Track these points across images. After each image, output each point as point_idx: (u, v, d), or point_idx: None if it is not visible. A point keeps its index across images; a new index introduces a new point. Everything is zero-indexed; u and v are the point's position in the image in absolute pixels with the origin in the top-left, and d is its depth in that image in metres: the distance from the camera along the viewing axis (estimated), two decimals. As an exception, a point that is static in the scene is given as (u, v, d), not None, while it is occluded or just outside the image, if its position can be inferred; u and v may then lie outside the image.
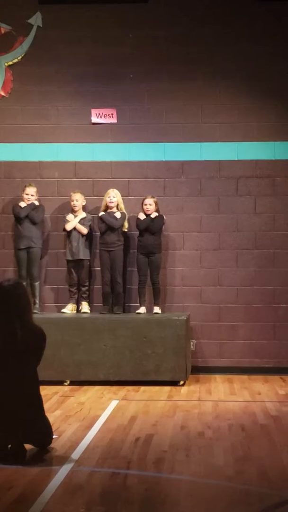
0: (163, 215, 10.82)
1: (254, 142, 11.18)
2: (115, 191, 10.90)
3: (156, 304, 10.69)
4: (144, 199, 10.86)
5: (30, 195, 10.88)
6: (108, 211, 10.84)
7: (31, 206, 10.84)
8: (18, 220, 10.84)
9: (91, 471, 5.89)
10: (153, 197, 10.88)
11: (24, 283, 10.30)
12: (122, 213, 10.68)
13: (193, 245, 11.12)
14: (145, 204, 10.79)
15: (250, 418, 7.84)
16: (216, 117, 11.19)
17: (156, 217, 10.68)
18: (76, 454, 6.27)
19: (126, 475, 5.76)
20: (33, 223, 10.82)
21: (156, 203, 10.82)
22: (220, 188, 11.21)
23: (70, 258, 10.84)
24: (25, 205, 10.83)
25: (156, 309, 10.60)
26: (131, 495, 5.25)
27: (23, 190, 10.91)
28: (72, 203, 10.98)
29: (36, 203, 10.92)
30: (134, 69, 11.22)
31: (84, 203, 11.06)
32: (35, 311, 9.95)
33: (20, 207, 10.81)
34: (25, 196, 10.90)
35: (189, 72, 11.18)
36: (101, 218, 10.73)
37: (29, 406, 6.09)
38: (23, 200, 10.92)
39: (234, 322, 11.02)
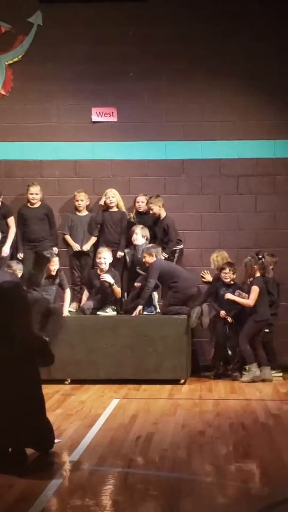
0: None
1: (255, 140, 11.18)
2: (113, 191, 10.90)
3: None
4: (136, 196, 10.87)
5: (35, 194, 10.87)
6: (109, 210, 10.85)
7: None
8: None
9: (92, 469, 5.89)
10: (145, 195, 10.88)
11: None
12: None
13: (194, 244, 11.12)
14: (138, 202, 10.79)
15: (250, 417, 7.84)
16: (216, 116, 11.19)
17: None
18: (77, 453, 6.27)
19: (127, 473, 5.77)
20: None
21: (147, 201, 10.77)
22: (220, 187, 11.22)
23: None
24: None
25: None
26: (132, 493, 5.26)
27: (27, 190, 10.89)
28: (77, 203, 10.98)
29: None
30: (134, 68, 11.22)
31: (88, 203, 11.07)
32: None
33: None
34: (30, 196, 10.88)
35: (189, 71, 11.18)
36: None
37: (30, 410, 6.02)
38: (28, 200, 10.91)
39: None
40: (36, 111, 11.31)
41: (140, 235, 10.49)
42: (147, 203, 10.82)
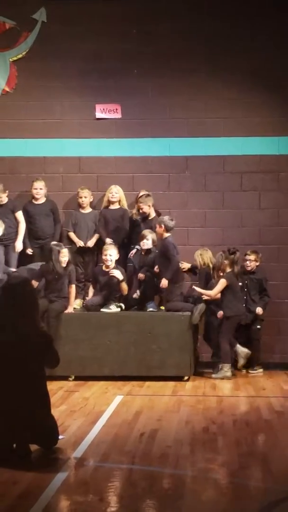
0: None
1: (259, 137, 11.17)
2: (117, 187, 10.90)
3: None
4: (138, 195, 10.87)
5: (39, 189, 10.90)
6: (111, 207, 10.85)
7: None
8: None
9: (95, 466, 5.91)
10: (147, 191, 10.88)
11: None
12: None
13: (198, 241, 11.10)
14: (141, 203, 10.77)
15: (254, 414, 7.85)
16: (220, 112, 11.18)
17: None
18: (81, 449, 6.29)
19: (130, 470, 5.78)
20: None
21: (137, 200, 10.75)
22: (224, 183, 11.21)
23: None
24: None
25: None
26: (135, 490, 5.27)
27: (31, 186, 10.91)
28: (80, 199, 10.99)
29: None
30: (138, 65, 11.21)
31: (91, 200, 11.08)
32: None
33: None
34: (34, 191, 10.91)
35: (193, 67, 11.16)
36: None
37: (35, 407, 6.03)
38: (33, 196, 10.93)
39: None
40: (40, 107, 11.31)
41: (150, 240, 10.45)
42: (137, 201, 10.77)
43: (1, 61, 11.35)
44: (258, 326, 10.57)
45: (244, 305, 10.48)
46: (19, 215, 10.82)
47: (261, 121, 11.15)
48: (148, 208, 10.70)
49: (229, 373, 10.01)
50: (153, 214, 10.78)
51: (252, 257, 10.67)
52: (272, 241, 11.10)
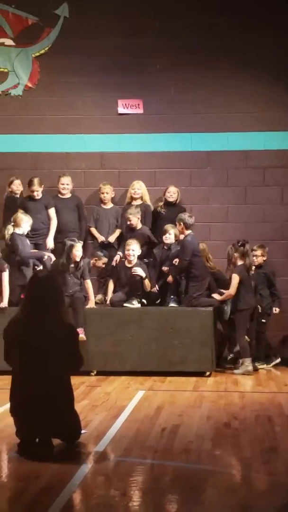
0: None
1: (281, 131, 11.13)
2: (140, 183, 10.91)
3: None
4: (167, 188, 10.86)
5: (66, 184, 10.95)
6: (133, 203, 10.85)
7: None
8: None
9: (117, 460, 5.92)
10: (176, 186, 10.88)
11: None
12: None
13: (220, 236, 11.09)
14: (168, 192, 10.80)
15: (276, 409, 7.81)
16: (242, 107, 11.15)
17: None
18: (102, 444, 6.30)
19: (152, 465, 5.79)
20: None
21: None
22: (246, 178, 11.18)
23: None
24: None
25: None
26: (157, 485, 5.27)
27: (58, 181, 10.94)
28: (102, 195, 11.00)
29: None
30: (160, 60, 11.21)
31: (113, 195, 11.09)
32: None
33: None
34: (61, 186, 10.96)
35: (215, 62, 11.14)
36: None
37: (59, 401, 6.04)
38: (59, 191, 10.96)
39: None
40: (62, 103, 11.34)
41: (173, 235, 10.44)
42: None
43: (24, 57, 11.40)
44: (263, 320, 10.53)
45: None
46: (52, 211, 10.85)
47: (284, 115, 11.10)
48: (137, 221, 10.60)
49: (250, 367, 9.98)
50: (139, 226, 10.66)
51: (259, 252, 10.60)
52: (295, 236, 11.06)
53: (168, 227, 10.47)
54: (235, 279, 10.11)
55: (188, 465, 5.78)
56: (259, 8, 11.07)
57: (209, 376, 9.86)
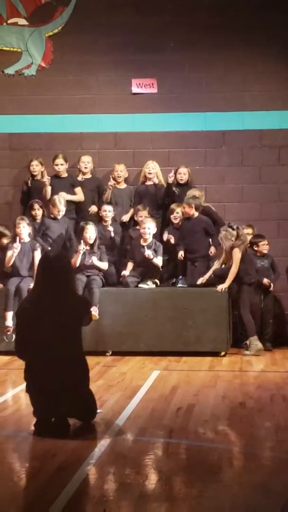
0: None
1: (297, 110, 11.04)
2: (154, 163, 10.87)
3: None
4: (177, 168, 10.76)
5: (87, 163, 10.97)
6: (147, 182, 10.80)
7: None
8: None
9: (133, 440, 5.94)
10: (186, 167, 10.81)
11: None
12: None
13: (234, 216, 11.02)
14: (179, 173, 10.73)
15: (291, 389, 7.81)
16: (257, 86, 11.07)
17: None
18: (118, 423, 6.32)
19: (168, 444, 5.81)
20: None
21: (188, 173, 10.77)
22: (261, 158, 11.11)
23: None
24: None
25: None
26: (173, 463, 5.29)
27: (79, 160, 10.93)
28: (116, 173, 10.96)
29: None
30: (174, 38, 11.12)
31: (126, 175, 11.06)
32: None
33: None
34: (82, 165, 10.98)
35: (229, 41, 11.05)
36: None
37: (75, 380, 6.06)
38: (80, 170, 10.95)
39: (277, 293, 10.91)
40: (76, 83, 11.30)
41: (180, 214, 10.41)
42: (175, 174, 10.66)
43: (37, 37, 11.35)
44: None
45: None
46: (79, 190, 10.86)
47: (299, 94, 11.01)
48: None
49: (259, 345, 9.91)
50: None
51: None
52: (310, 216, 11.00)
53: (174, 206, 10.47)
54: (236, 253, 9.99)
55: (204, 443, 5.80)
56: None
57: (224, 356, 9.86)
